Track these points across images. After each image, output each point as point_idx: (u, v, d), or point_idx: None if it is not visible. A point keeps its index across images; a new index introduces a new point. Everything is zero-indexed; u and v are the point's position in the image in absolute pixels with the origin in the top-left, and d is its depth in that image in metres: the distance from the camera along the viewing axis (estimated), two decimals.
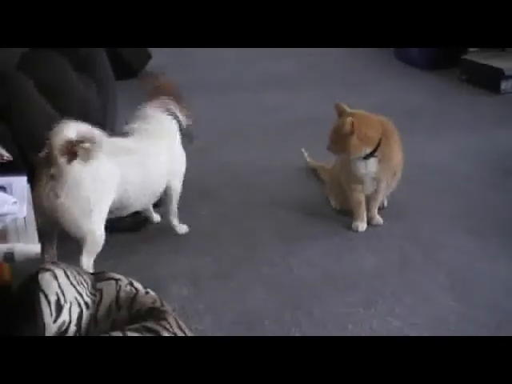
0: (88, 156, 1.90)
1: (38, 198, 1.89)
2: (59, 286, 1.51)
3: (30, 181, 1.81)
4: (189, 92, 2.62)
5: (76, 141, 1.87)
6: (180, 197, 2.45)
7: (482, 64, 4.00)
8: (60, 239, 2.34)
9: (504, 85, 3.89)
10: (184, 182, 2.61)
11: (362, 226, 2.42)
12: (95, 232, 2.00)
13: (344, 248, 2.31)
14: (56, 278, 1.52)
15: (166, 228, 2.47)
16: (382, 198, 2.47)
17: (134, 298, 1.61)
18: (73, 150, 1.87)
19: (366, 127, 2.26)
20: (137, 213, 2.45)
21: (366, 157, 2.30)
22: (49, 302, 1.47)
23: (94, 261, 2.06)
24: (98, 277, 1.66)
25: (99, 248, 2.04)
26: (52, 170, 1.88)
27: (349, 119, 2.23)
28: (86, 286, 1.59)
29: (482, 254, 2.24)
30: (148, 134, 2.27)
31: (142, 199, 2.24)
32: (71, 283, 1.54)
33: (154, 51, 4.54)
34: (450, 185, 2.77)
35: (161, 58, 4.63)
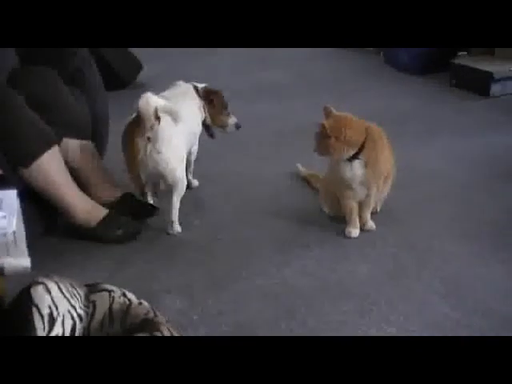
0: (176, 119, 2.37)
1: (142, 158, 2.37)
2: (52, 299, 1.50)
3: (20, 194, 1.80)
4: None
5: (158, 108, 2.31)
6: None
7: (472, 68, 4.02)
8: (55, 252, 2.35)
9: (494, 88, 3.91)
10: None
11: (354, 232, 2.42)
12: (183, 178, 2.51)
13: (338, 256, 2.30)
14: (49, 291, 1.51)
15: (159, 239, 2.47)
16: (373, 204, 2.47)
17: (127, 309, 1.61)
18: (158, 115, 2.32)
19: (346, 129, 2.28)
20: (130, 223, 2.46)
21: (350, 159, 2.31)
22: (41, 316, 1.47)
23: (88, 274, 2.12)
24: (91, 288, 1.65)
25: (184, 190, 2.52)
26: (148, 134, 2.33)
27: (323, 122, 2.29)
28: (79, 298, 1.58)
29: (476, 259, 2.24)
30: (179, 97, 2.65)
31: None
32: (64, 296, 1.54)
33: (144, 62, 4.55)
34: (442, 190, 2.78)
35: (152, 68, 4.63)
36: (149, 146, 2.35)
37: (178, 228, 2.50)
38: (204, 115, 2.79)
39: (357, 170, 2.33)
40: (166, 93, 2.67)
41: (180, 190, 2.49)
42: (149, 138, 2.34)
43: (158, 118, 2.32)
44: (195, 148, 2.84)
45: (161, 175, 2.45)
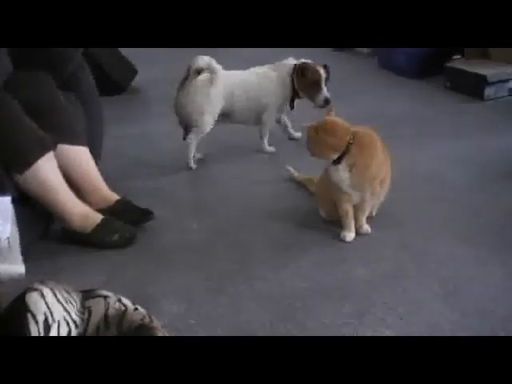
0: (212, 81, 3.03)
1: (176, 98, 3.09)
2: (47, 306, 1.49)
3: (15, 200, 1.79)
4: None
5: (203, 67, 3.00)
6: (170, 211, 2.64)
7: (466, 71, 4.03)
8: (51, 257, 2.34)
9: (488, 91, 3.91)
10: (175, 195, 2.88)
11: (349, 235, 2.41)
12: (204, 126, 3.08)
13: (335, 259, 2.30)
14: (43, 297, 1.50)
15: (156, 244, 2.46)
16: (369, 208, 2.46)
17: (122, 315, 1.60)
18: (199, 72, 2.98)
19: (326, 133, 2.32)
20: (126, 228, 2.45)
21: (336, 163, 2.33)
22: (36, 322, 1.46)
23: (84, 279, 2.11)
24: (86, 295, 1.65)
25: (204, 133, 3.11)
26: (187, 82, 3.01)
27: (307, 125, 2.37)
28: (74, 304, 1.58)
29: (473, 260, 2.23)
30: (259, 75, 3.24)
31: (245, 113, 3.22)
32: (59, 302, 1.53)
33: (139, 67, 4.54)
34: (438, 192, 2.77)
35: (147, 73, 4.63)
36: (182, 92, 3.02)
37: (198, 155, 3.19)
38: (288, 88, 3.18)
39: (342, 173, 2.34)
40: (265, 66, 3.24)
41: (195, 133, 3.08)
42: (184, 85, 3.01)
43: (198, 74, 2.97)
44: (267, 117, 3.25)
45: (183, 116, 3.08)
